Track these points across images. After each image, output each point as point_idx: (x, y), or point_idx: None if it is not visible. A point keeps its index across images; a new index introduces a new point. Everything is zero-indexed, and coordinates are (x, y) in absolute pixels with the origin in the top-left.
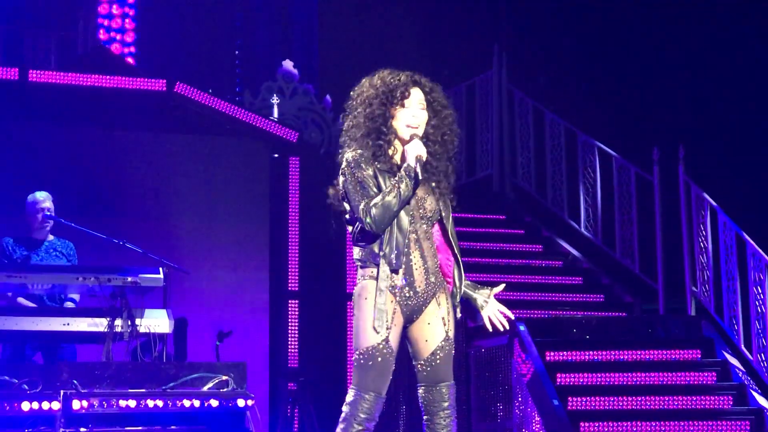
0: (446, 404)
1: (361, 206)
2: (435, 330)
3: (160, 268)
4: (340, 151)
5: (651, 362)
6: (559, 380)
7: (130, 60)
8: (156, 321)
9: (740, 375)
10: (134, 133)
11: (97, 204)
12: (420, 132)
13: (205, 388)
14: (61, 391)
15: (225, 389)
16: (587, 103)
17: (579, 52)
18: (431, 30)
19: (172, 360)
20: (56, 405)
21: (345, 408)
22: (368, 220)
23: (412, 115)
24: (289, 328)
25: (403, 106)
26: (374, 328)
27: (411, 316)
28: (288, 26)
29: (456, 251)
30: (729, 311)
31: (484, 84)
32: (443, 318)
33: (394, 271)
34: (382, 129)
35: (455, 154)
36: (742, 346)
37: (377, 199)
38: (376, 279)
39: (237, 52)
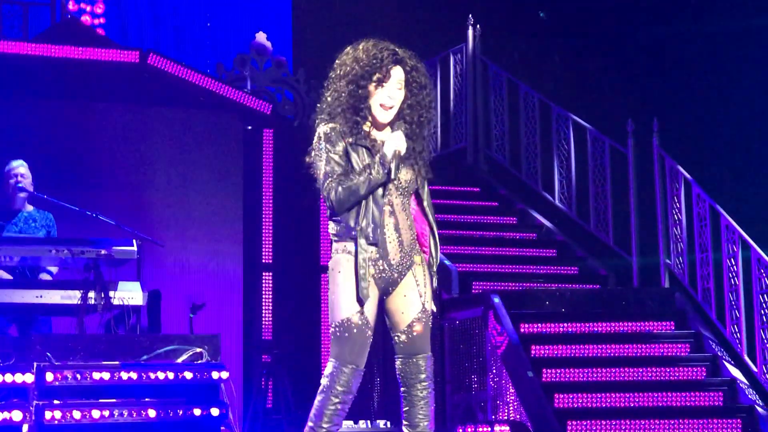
0: (423, 376)
1: (326, 183)
2: (411, 302)
3: (134, 241)
4: (316, 120)
5: (625, 334)
6: (533, 352)
7: (100, 32)
8: (129, 293)
9: (713, 346)
10: (107, 105)
11: (70, 176)
12: (394, 111)
13: (179, 361)
14: (35, 364)
15: (199, 361)
16: (562, 75)
17: (553, 25)
18: (405, 2)
19: (146, 332)
20: (29, 378)
21: (323, 380)
22: (332, 197)
23: (387, 95)
24: (263, 300)
25: (381, 85)
26: (359, 299)
27: (387, 289)
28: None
29: (432, 222)
30: (702, 283)
31: (459, 56)
32: (419, 290)
33: (372, 244)
34: (359, 106)
35: (431, 133)
36: (716, 317)
37: (346, 181)
38: (352, 252)
39: (208, 24)
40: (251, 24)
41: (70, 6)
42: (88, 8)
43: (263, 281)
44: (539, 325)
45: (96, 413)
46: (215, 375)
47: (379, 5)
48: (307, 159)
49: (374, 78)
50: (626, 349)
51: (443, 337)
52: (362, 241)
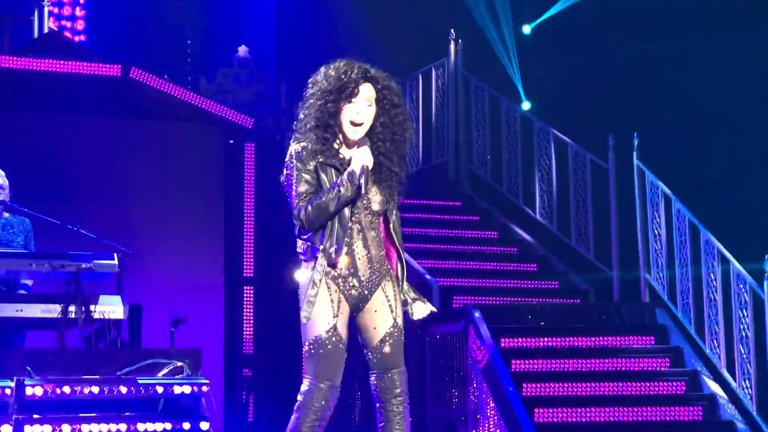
0: (398, 390)
1: (297, 202)
2: (382, 317)
3: (115, 254)
4: (291, 141)
5: (605, 349)
6: (513, 366)
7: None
8: (110, 307)
9: (693, 361)
10: (88, 119)
11: (50, 189)
12: (365, 128)
13: (160, 375)
14: (15, 378)
15: (180, 375)
16: (543, 90)
17: (535, 40)
18: (388, 17)
19: (127, 346)
20: (9, 391)
21: (299, 397)
22: (302, 216)
23: (356, 111)
24: (244, 314)
25: (350, 101)
26: (329, 316)
27: (357, 305)
28: (242, 14)
29: (399, 246)
30: (682, 298)
31: (440, 71)
32: (390, 305)
33: (332, 265)
34: (330, 123)
35: (406, 153)
36: (695, 332)
37: (315, 199)
38: (320, 271)
39: (189, 42)
40: (234, 38)
41: (51, 23)
42: (69, 24)
43: (244, 295)
44: (520, 339)
45: (76, 427)
46: (196, 389)
47: (361, 20)
48: (281, 178)
49: (343, 94)
50: (606, 363)
51: (424, 352)
52: (323, 262)
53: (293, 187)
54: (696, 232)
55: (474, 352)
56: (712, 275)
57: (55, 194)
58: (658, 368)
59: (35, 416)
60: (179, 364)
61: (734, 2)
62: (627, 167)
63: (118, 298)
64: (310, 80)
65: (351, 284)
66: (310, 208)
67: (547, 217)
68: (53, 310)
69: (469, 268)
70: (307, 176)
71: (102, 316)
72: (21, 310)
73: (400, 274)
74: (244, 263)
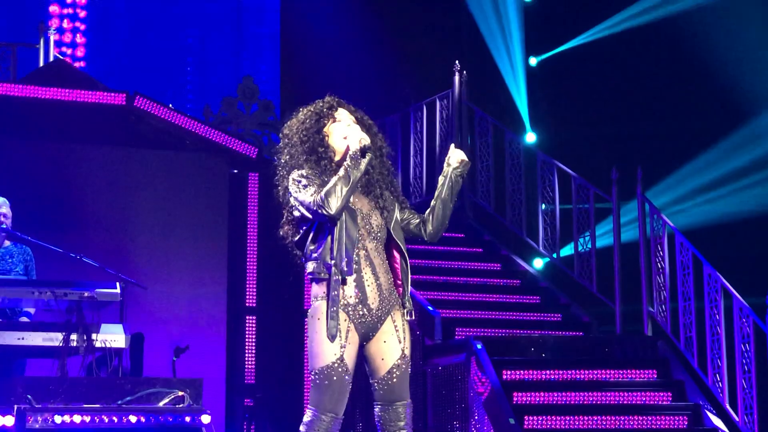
0: (402, 423)
1: (314, 197)
2: (391, 348)
3: (117, 283)
4: (277, 184)
5: (607, 382)
6: (515, 399)
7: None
8: (112, 336)
9: (696, 395)
10: (92, 147)
11: (54, 218)
12: (356, 141)
13: (161, 404)
14: (15, 406)
15: (181, 405)
16: (548, 122)
17: (540, 72)
18: (392, 48)
19: (128, 375)
20: (10, 420)
21: (302, 428)
22: (325, 203)
23: (346, 125)
24: (246, 344)
25: (334, 120)
26: (337, 345)
27: (367, 334)
28: (246, 42)
29: (402, 248)
30: (685, 332)
31: (444, 102)
32: (398, 336)
33: (344, 280)
34: (319, 150)
35: (392, 171)
36: (698, 366)
37: (328, 185)
38: (328, 298)
39: (189, 69)
40: (239, 67)
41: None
42: (69, 51)
43: (247, 325)
44: (522, 371)
45: None
46: (197, 419)
47: (366, 50)
48: (281, 232)
49: (324, 120)
50: (608, 396)
51: (426, 383)
52: (337, 278)
53: (303, 192)
54: (699, 266)
55: (476, 384)
56: (714, 309)
57: (58, 222)
58: (660, 402)
59: None
60: (180, 393)
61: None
62: (631, 200)
63: (120, 327)
64: (284, 131)
65: (361, 313)
66: (325, 193)
67: (549, 249)
68: (55, 339)
69: (471, 299)
70: (312, 176)
71: (104, 345)
72: (22, 338)
73: (404, 276)
74: (247, 293)
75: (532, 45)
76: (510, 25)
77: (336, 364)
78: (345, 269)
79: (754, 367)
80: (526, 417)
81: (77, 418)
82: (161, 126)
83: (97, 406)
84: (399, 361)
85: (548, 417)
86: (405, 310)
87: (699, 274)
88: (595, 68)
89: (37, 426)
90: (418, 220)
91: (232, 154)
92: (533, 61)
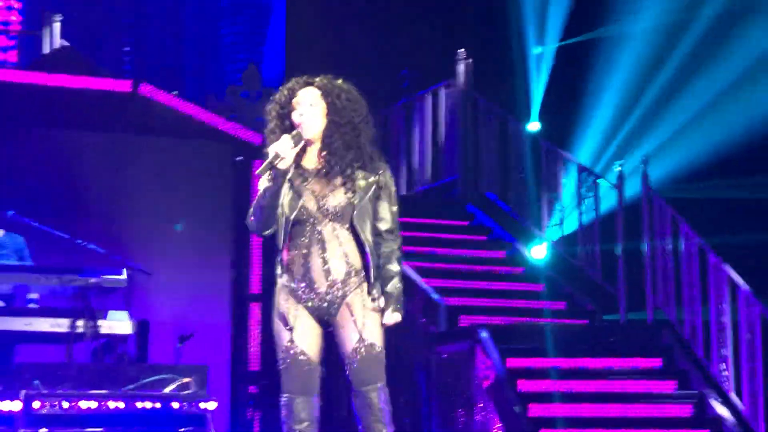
0: (374, 408)
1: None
2: (349, 334)
3: (123, 269)
4: None
5: (612, 370)
6: (520, 387)
7: None
8: (118, 322)
9: (700, 384)
10: (97, 134)
11: (58, 205)
12: (311, 128)
13: (166, 391)
14: (22, 392)
15: (186, 392)
16: (553, 111)
17: (544, 60)
18: (397, 36)
19: (134, 362)
20: (17, 405)
21: (282, 411)
22: (248, 224)
23: (299, 113)
24: (251, 331)
25: (294, 109)
26: (288, 329)
27: (322, 318)
28: (254, 29)
29: (360, 234)
30: (690, 320)
31: (449, 90)
32: (355, 321)
33: (289, 266)
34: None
35: (367, 141)
36: (703, 355)
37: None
38: (278, 283)
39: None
40: (244, 54)
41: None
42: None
43: (251, 312)
44: (526, 359)
45: None
46: (202, 406)
47: (370, 38)
48: None
49: (285, 106)
50: (613, 385)
51: (430, 371)
52: (280, 271)
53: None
54: (704, 254)
55: (480, 372)
56: (719, 297)
57: (62, 209)
58: (665, 390)
59: (42, 430)
60: (185, 380)
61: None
62: (635, 188)
63: (125, 314)
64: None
65: (309, 296)
66: (250, 211)
67: (553, 238)
68: (61, 325)
69: (475, 287)
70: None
71: (109, 331)
72: (29, 324)
73: (362, 264)
74: (251, 280)
75: (538, 33)
76: (517, 12)
77: (287, 347)
78: (283, 267)
79: (761, 356)
80: (531, 405)
81: (84, 404)
82: (166, 113)
83: (104, 392)
84: (357, 344)
85: (554, 405)
86: (369, 297)
87: (704, 261)
88: (599, 60)
89: (44, 411)
90: (380, 233)
91: (236, 142)
92: (537, 49)
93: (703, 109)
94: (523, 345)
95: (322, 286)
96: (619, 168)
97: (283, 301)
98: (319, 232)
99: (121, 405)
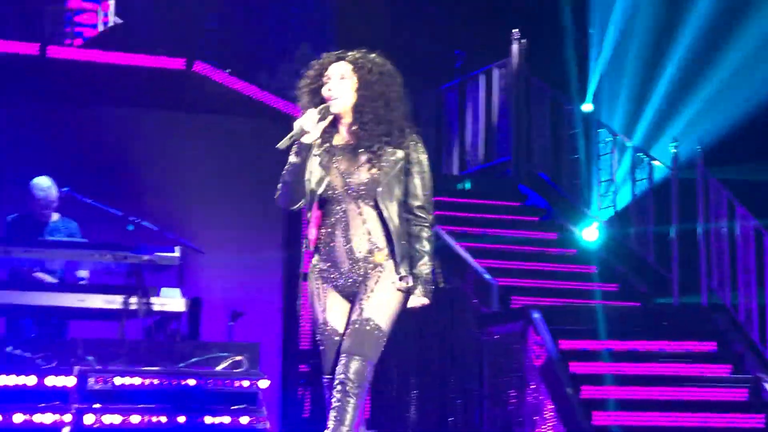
0: (342, 376)
1: None
2: (355, 307)
3: (176, 247)
4: None
5: (665, 353)
6: (572, 369)
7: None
8: (170, 300)
9: (755, 368)
10: (151, 111)
11: (112, 182)
12: (340, 102)
13: (218, 368)
14: (76, 367)
15: (238, 369)
16: (607, 91)
17: (599, 41)
18: (450, 16)
19: (186, 339)
20: (72, 381)
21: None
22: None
23: (328, 88)
24: (303, 309)
25: (324, 83)
26: (316, 309)
27: (348, 297)
28: (304, 8)
29: (386, 215)
30: (745, 304)
31: (502, 70)
32: (363, 296)
33: (315, 251)
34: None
35: (399, 117)
36: (758, 339)
37: None
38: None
39: (248, 35)
40: (295, 34)
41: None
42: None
43: (303, 290)
44: (578, 341)
45: (136, 418)
46: (254, 383)
47: (424, 17)
48: None
49: (318, 77)
50: (666, 368)
51: (482, 352)
52: (314, 255)
53: None
54: (760, 237)
55: (533, 353)
56: None
57: (115, 187)
58: (718, 374)
59: (95, 406)
60: (238, 357)
61: None
62: (691, 171)
63: (178, 291)
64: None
65: (332, 276)
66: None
67: (607, 219)
68: (115, 301)
69: (527, 268)
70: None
71: (162, 309)
72: (83, 300)
73: (398, 257)
74: (303, 258)
75: (592, 12)
76: None
77: (321, 329)
78: (309, 244)
79: None
80: (582, 387)
81: (137, 380)
82: (219, 91)
83: (156, 368)
84: (356, 317)
85: (606, 387)
86: (394, 275)
87: (760, 245)
88: (655, 39)
89: (97, 387)
90: (411, 209)
91: (289, 120)
92: (591, 30)
93: (762, 90)
94: (575, 326)
95: (345, 264)
96: (674, 149)
97: (315, 282)
98: (344, 211)
99: (174, 382)
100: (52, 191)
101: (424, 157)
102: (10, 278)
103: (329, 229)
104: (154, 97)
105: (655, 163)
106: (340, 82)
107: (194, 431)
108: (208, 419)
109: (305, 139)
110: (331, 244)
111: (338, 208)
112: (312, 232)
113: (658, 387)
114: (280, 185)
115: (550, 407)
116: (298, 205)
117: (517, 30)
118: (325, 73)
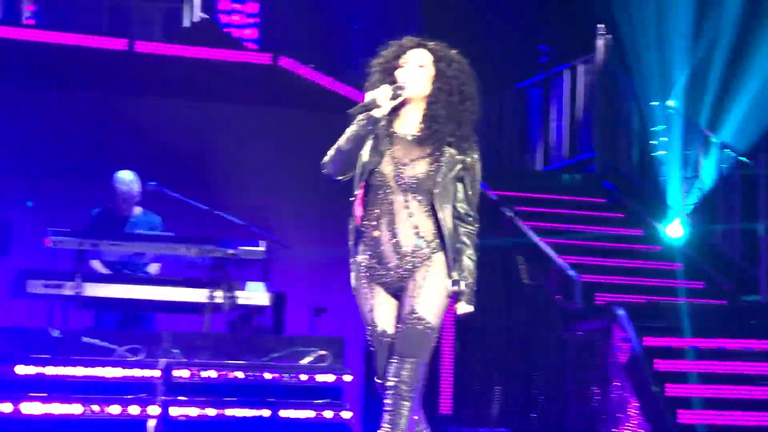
0: (395, 379)
1: None
2: (404, 303)
3: (261, 241)
4: None
5: (752, 352)
6: (656, 366)
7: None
8: (255, 294)
9: None
10: (236, 106)
11: (196, 176)
12: (414, 91)
13: (303, 362)
14: (162, 360)
15: (323, 364)
16: (694, 88)
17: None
18: (535, 11)
19: (270, 333)
20: (157, 373)
21: None
22: (323, 163)
23: (405, 71)
24: None
25: (401, 66)
26: (363, 309)
27: (396, 293)
28: (388, 2)
29: (441, 215)
30: None
31: (588, 66)
32: (413, 292)
33: (359, 245)
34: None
35: (469, 119)
36: None
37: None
38: (355, 264)
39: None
40: (378, 28)
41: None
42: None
43: None
44: (663, 339)
45: (221, 411)
46: (339, 378)
47: (509, 11)
48: None
49: (396, 60)
50: (754, 367)
51: (565, 348)
52: (361, 247)
53: None
54: None
55: (617, 350)
56: None
57: (200, 181)
58: None
59: (181, 398)
60: (322, 352)
61: None
62: None
63: (262, 285)
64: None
65: (380, 273)
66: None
67: (693, 216)
68: (200, 295)
69: (612, 265)
70: None
71: (247, 302)
72: (169, 294)
73: (449, 255)
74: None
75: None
76: None
77: (370, 330)
78: (355, 220)
79: None
80: (667, 385)
81: (222, 374)
82: (304, 86)
83: (241, 362)
84: (407, 315)
85: (691, 385)
86: (444, 273)
87: None
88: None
89: (182, 380)
90: (459, 215)
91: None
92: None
93: None
94: (660, 324)
95: (392, 260)
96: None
97: (360, 280)
98: (390, 203)
99: (258, 375)
100: (135, 185)
101: (479, 166)
102: (97, 272)
103: (373, 222)
104: (240, 92)
105: (742, 159)
106: (419, 69)
107: (278, 425)
108: (292, 413)
109: (375, 113)
110: (378, 240)
111: (383, 197)
112: (358, 209)
113: (745, 386)
114: (332, 151)
115: (634, 405)
116: (344, 177)
117: (602, 25)
118: (403, 56)
